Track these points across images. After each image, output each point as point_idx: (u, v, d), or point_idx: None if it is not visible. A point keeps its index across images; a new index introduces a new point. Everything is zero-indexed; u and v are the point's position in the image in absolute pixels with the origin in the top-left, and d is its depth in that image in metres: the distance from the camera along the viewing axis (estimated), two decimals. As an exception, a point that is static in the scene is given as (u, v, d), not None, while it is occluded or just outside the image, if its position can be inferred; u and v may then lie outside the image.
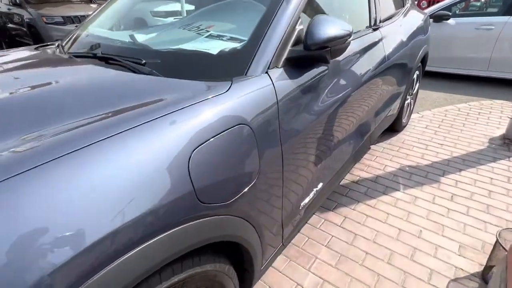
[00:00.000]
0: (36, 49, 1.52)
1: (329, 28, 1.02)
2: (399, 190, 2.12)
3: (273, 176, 1.01)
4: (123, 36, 1.42)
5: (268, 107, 0.95)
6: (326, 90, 1.23)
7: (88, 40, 1.46)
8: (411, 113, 3.19)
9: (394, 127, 2.86)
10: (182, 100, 0.79)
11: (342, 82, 1.36)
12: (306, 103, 1.12)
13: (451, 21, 4.48)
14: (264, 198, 1.00)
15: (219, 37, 1.24)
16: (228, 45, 1.12)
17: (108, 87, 0.93)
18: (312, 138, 1.21)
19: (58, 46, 1.55)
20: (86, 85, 0.95)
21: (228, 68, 1.00)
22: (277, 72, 1.02)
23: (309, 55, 1.04)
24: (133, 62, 1.07)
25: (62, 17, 5.72)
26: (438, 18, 4.48)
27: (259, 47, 1.01)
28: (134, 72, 1.03)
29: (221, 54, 1.06)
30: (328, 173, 1.49)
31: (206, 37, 1.26)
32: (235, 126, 0.83)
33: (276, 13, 1.08)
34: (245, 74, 0.97)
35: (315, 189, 1.38)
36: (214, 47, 1.12)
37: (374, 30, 1.74)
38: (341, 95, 1.33)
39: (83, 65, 1.15)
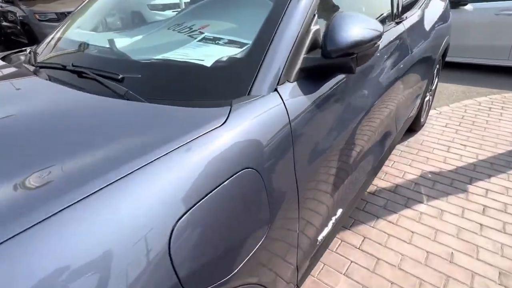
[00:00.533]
0: (2, 58, 1.30)
1: (355, 29, 0.78)
2: (422, 202, 1.90)
3: (286, 221, 0.80)
4: (103, 40, 1.20)
5: (280, 137, 0.73)
6: (347, 102, 1.00)
7: (63, 45, 1.24)
8: (429, 110, 2.94)
9: (412, 127, 2.62)
10: (160, 144, 0.58)
11: (365, 89, 1.13)
12: (325, 122, 0.89)
13: (469, 6, 4.16)
14: (276, 249, 0.79)
15: (214, 40, 1.01)
16: (225, 52, 0.90)
17: (61, 127, 0.69)
18: (331, 161, 0.99)
19: (29, 52, 1.34)
20: (34, 120, 0.72)
21: (226, 85, 0.78)
22: (289, 88, 0.79)
23: (329, 64, 0.81)
24: (108, 77, 0.85)
25: (56, 13, 5.49)
26: (455, 3, 4.17)
27: (265, 56, 0.78)
28: (107, 89, 0.81)
29: (217, 66, 0.84)
30: (349, 195, 1.27)
31: (199, 40, 1.03)
32: (235, 174, 0.61)
33: (286, 9, 0.85)
34: (248, 93, 0.74)
35: (334, 218, 1.17)
36: (208, 55, 0.89)
37: (397, 23, 1.49)
38: (364, 105, 1.11)
39: (42, 84, 0.93)
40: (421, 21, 1.82)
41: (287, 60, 0.79)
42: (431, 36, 1.98)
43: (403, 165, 2.28)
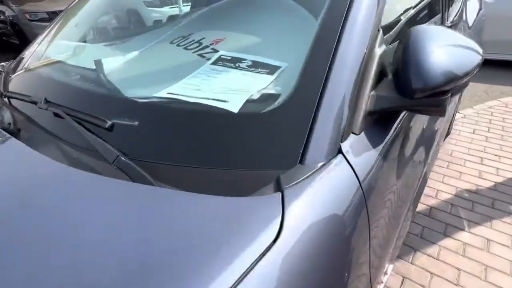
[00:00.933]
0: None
1: (447, 54, 0.53)
2: (464, 230, 1.66)
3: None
4: (87, 59, 0.94)
5: (351, 211, 0.50)
6: (414, 133, 0.76)
7: (39, 66, 0.99)
8: (455, 114, 2.69)
9: (439, 135, 2.38)
10: None
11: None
12: (393, 165, 0.65)
13: (490, -2, 3.87)
14: None
15: (234, 62, 0.76)
16: (255, 85, 0.65)
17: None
18: (400, 202, 0.75)
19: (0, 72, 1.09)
20: None
21: (264, 146, 0.53)
22: (355, 144, 0.55)
23: (411, 105, 0.56)
24: (94, 123, 0.61)
25: (47, 12, 5.19)
26: (474, -5, 3.89)
27: (321, 97, 0.53)
28: (90, 153, 0.56)
29: (248, 112, 0.58)
30: (403, 232, 1.03)
31: (214, 63, 0.78)
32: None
33: (344, 24, 0.59)
34: (301, 161, 0.49)
35: (391, 266, 0.94)
36: (230, 89, 0.64)
37: (449, 27, 1.23)
38: (428, 134, 0.86)
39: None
40: (465, 21, 1.56)
41: (352, 101, 0.54)
42: (473, 34, 1.73)
43: (435, 182, 2.04)
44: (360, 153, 0.53)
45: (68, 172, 0.54)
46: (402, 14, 0.88)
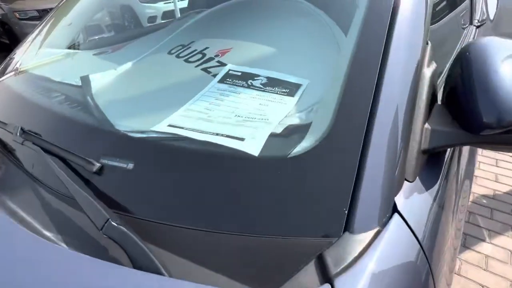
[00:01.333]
0: None
1: None
2: (484, 240, 1.56)
3: None
4: (74, 74, 0.81)
5: (413, 276, 0.39)
6: (463, 162, 0.65)
7: (17, 82, 0.86)
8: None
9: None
10: None
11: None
12: (449, 211, 0.54)
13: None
14: None
15: (245, 79, 0.65)
16: (276, 111, 0.53)
17: None
18: (454, 240, 0.65)
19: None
20: None
21: (294, 206, 0.41)
22: (410, 194, 0.43)
23: (479, 142, 0.45)
24: (77, 165, 0.49)
25: (37, 10, 5.01)
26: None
27: (367, 135, 0.42)
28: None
29: (271, 156, 0.46)
30: None
31: (221, 80, 0.66)
32: None
33: (390, 35, 0.47)
34: (346, 228, 0.38)
35: None
36: (244, 118, 0.53)
37: (478, 27, 1.11)
38: (473, 157, 0.75)
39: None
40: (487, 17, 1.44)
41: (404, 139, 0.42)
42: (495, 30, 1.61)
43: (449, 188, 1.93)
44: (415, 205, 0.42)
45: (44, 249, 0.41)
46: (440, 17, 0.76)
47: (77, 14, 1.16)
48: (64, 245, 0.43)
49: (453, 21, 0.97)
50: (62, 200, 0.48)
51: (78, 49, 1.12)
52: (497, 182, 1.95)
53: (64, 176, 0.47)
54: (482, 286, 1.36)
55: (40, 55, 1.00)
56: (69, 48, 1.06)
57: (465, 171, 0.64)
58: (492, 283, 1.36)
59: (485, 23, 1.18)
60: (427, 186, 0.46)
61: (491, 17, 1.56)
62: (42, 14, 5.07)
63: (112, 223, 0.39)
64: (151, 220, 0.43)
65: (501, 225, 1.65)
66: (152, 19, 2.93)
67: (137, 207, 0.45)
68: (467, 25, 1.09)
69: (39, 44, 1.06)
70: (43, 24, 1.15)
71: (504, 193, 1.86)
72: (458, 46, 0.89)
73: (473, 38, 1.01)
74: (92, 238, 0.42)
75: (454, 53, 0.71)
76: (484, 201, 1.81)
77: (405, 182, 0.44)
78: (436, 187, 0.48)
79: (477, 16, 1.17)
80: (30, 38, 1.10)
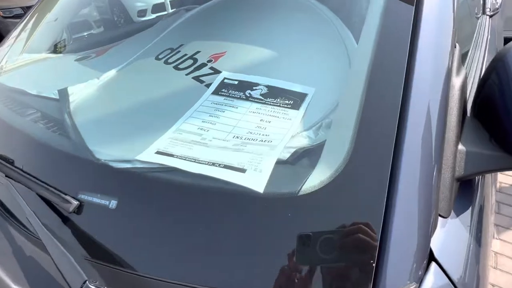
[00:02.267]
0: None
1: None
2: (493, 236, 1.52)
3: None
4: (50, 84, 0.72)
5: None
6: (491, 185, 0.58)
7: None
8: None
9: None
10: None
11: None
12: (485, 247, 0.47)
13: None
14: None
15: (243, 90, 0.57)
16: (280, 130, 0.46)
17: None
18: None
19: None
20: None
21: (309, 257, 0.33)
22: (446, 234, 0.36)
23: None
24: (54, 204, 0.42)
25: (22, 8, 4.83)
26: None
27: (395, 163, 0.34)
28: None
29: (279, 194, 0.38)
30: None
31: (216, 91, 0.59)
32: None
33: (415, 40, 0.39)
34: (376, 284, 0.31)
35: None
36: (244, 141, 0.45)
37: (491, 16, 1.03)
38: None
39: None
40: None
41: (436, 165, 0.35)
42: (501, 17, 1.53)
43: (455, 182, 1.88)
44: (452, 248, 0.35)
45: None
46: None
47: (61, 10, 1.07)
48: None
49: (466, 11, 0.89)
50: (35, 244, 0.41)
51: (60, 51, 1.03)
52: (502, 174, 1.90)
53: (34, 218, 0.39)
54: (493, 286, 1.31)
55: (16, 62, 0.91)
56: (51, 50, 0.98)
57: (495, 194, 0.57)
58: (504, 282, 1.32)
59: (498, 11, 1.10)
60: (463, 221, 0.39)
61: (498, 3, 1.48)
62: (27, 11, 4.90)
63: (90, 286, 0.32)
64: (140, 275, 0.36)
65: (509, 219, 1.60)
66: (142, 12, 2.82)
67: (121, 257, 0.38)
68: (480, 15, 1.02)
69: (17, 48, 0.97)
70: (22, 24, 1.07)
71: (511, 186, 1.81)
72: (474, 37, 0.82)
73: (488, 28, 0.94)
74: None
75: (471, 48, 0.63)
76: (491, 195, 1.77)
77: (440, 217, 0.37)
78: (472, 221, 0.41)
79: (489, 5, 1.09)
80: (7, 41, 1.02)
